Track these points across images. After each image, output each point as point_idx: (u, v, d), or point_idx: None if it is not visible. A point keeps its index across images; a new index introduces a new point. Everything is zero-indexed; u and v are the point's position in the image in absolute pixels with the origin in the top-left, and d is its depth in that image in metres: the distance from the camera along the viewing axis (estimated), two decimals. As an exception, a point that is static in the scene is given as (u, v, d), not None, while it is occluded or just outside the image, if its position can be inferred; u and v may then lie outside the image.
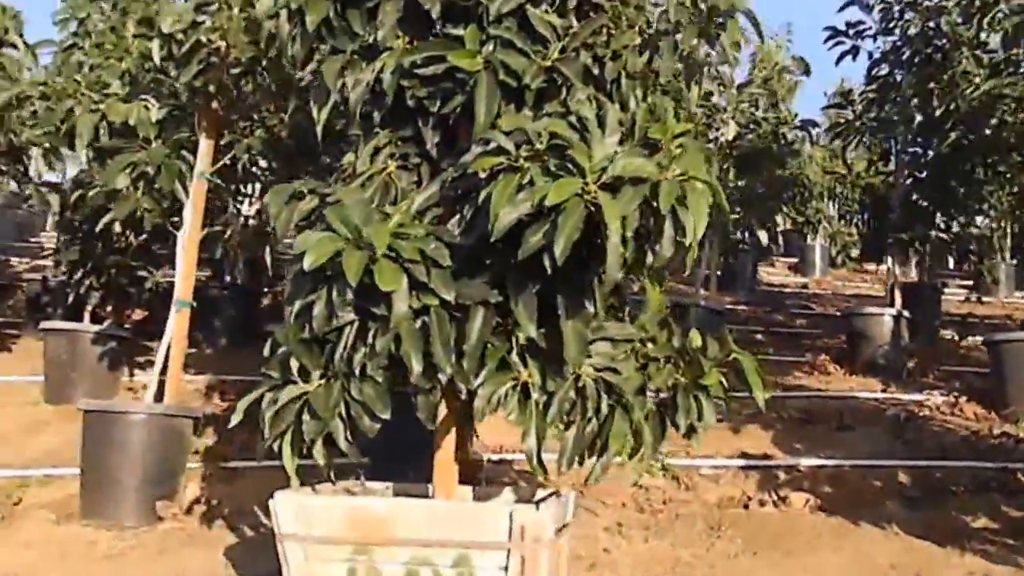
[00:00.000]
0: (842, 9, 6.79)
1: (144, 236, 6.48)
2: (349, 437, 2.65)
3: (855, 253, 12.82)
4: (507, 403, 2.65)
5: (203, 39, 4.24)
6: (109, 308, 6.81)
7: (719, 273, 8.72)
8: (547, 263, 2.43)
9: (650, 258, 2.54)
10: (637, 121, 2.59)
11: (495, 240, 2.45)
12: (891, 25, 6.90)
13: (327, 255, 2.45)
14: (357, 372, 2.63)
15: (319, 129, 3.01)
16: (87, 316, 6.81)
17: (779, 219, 9.19)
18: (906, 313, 7.44)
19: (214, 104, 4.77)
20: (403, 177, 2.93)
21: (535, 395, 2.70)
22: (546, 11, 2.82)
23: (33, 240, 13.34)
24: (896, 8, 6.79)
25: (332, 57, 2.85)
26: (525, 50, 2.71)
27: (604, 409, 2.74)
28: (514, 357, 2.72)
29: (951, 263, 11.27)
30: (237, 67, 4.53)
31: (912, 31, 6.69)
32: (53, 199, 6.87)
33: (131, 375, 7.01)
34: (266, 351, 2.88)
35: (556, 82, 2.71)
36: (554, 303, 2.63)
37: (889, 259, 7.61)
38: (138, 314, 7.50)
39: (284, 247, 6.57)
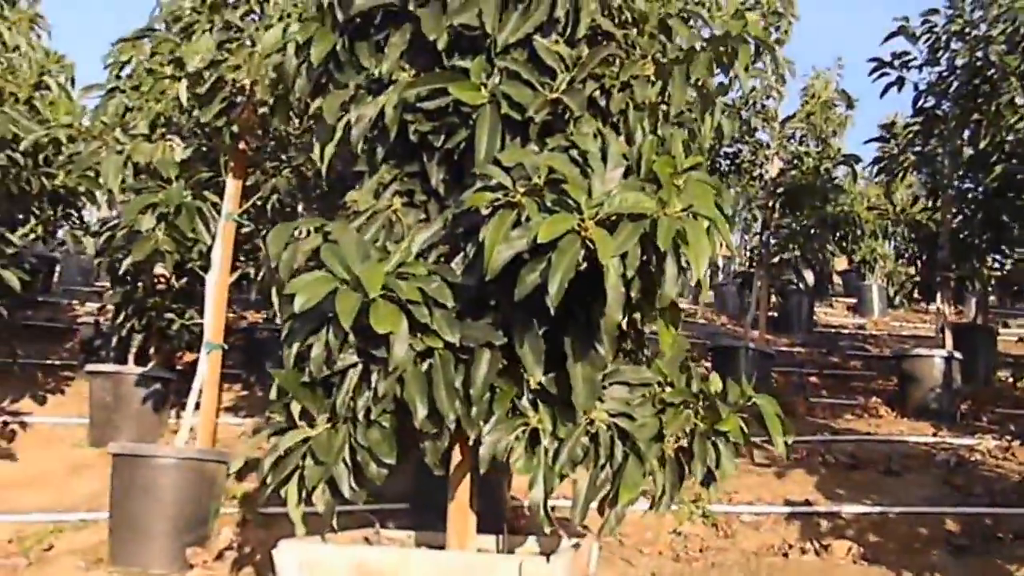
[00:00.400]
0: (887, 40, 6.61)
1: (185, 279, 6.54)
2: (354, 484, 2.55)
3: (913, 293, 12.46)
4: (515, 450, 2.53)
5: (226, 77, 4.25)
6: (152, 350, 6.86)
7: (774, 314, 8.48)
8: (549, 303, 2.32)
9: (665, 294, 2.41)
10: (643, 154, 2.48)
11: (493, 279, 2.35)
12: (938, 55, 6.69)
13: (319, 296, 2.37)
14: (361, 416, 2.53)
15: (323, 167, 2.95)
16: (131, 358, 6.86)
17: (834, 259, 8.94)
18: (957, 354, 7.14)
19: (241, 144, 4.78)
20: (409, 214, 2.85)
21: (545, 442, 2.57)
22: (556, 41, 2.73)
23: (98, 284, 13.62)
24: (943, 38, 6.59)
25: (335, 92, 2.80)
26: (531, 81, 2.62)
27: (618, 456, 2.61)
28: (524, 402, 2.60)
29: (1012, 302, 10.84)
30: (263, 106, 4.54)
31: (959, 61, 6.47)
32: (88, 242, 6.96)
33: (177, 418, 7.04)
34: (272, 393, 2.80)
35: (562, 115, 2.62)
36: (563, 345, 2.52)
37: (939, 298, 7.31)
38: (189, 356, 7.56)
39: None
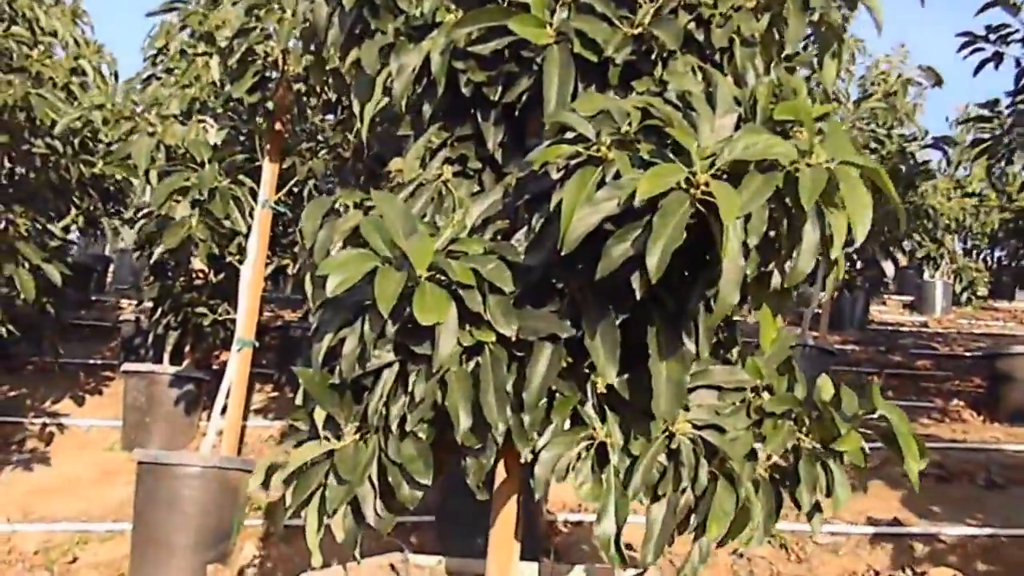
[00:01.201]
0: (982, 11, 5.97)
1: (223, 274, 6.19)
2: (380, 509, 2.09)
3: (981, 291, 11.76)
4: (578, 470, 2.05)
5: (256, 49, 3.85)
6: (188, 349, 6.54)
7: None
8: (635, 284, 1.84)
9: (775, 278, 1.92)
10: (759, 100, 1.98)
11: (568, 255, 1.88)
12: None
13: (355, 277, 1.92)
14: (395, 426, 2.07)
15: (363, 130, 2.50)
16: (166, 357, 6.57)
17: (899, 255, 8.30)
18: (1069, 353, 6.50)
19: (277, 125, 4.37)
20: (462, 185, 2.38)
21: (614, 459, 2.09)
22: (635, -33, 2.24)
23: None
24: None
25: (372, 40, 2.35)
26: (607, 15, 2.14)
27: (703, 478, 2.11)
28: (588, 409, 2.12)
29: None
30: (298, 82, 4.14)
31: None
32: (128, 234, 6.65)
33: (208, 420, 6.73)
34: (298, 398, 2.36)
35: (648, 54, 2.13)
36: (643, 339, 2.04)
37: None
38: (226, 355, 7.25)
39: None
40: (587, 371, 2.14)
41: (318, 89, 4.19)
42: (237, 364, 4.35)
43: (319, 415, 2.17)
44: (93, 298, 10.94)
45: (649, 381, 2.01)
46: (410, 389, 2.06)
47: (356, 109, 2.42)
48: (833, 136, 1.80)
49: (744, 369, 2.22)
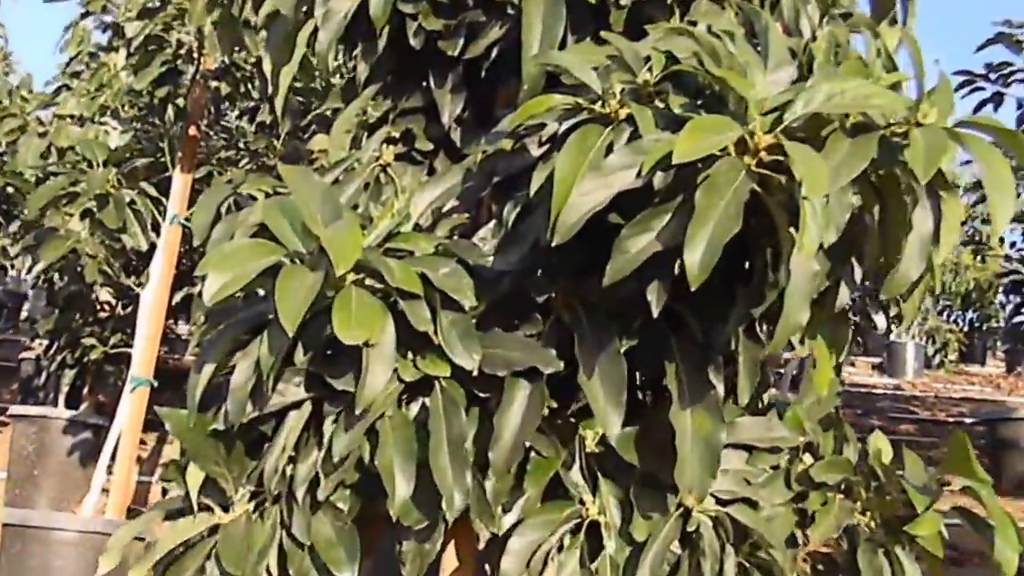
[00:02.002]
0: (982, 48, 5.61)
1: (132, 306, 5.48)
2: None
3: (953, 354, 11.46)
4: (562, 562, 1.45)
5: (167, 36, 3.25)
6: (87, 390, 5.79)
7: (794, 371, 7.41)
8: (652, 297, 1.28)
9: (842, 294, 1.37)
10: (816, 56, 1.45)
11: (557, 255, 1.32)
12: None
13: (246, 277, 1.32)
14: (301, 493, 1.46)
15: (279, 105, 1.91)
16: (62, 400, 5.80)
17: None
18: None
19: (192, 129, 3.75)
20: (407, 172, 1.81)
21: (610, 547, 1.50)
22: None
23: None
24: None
25: (290, -25, 1.77)
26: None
27: (731, 573, 1.53)
28: (575, 475, 1.54)
29: None
30: (216, 78, 3.55)
31: None
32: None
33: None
34: (173, 449, 1.73)
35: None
36: (654, 377, 1.48)
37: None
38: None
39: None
40: (572, 419, 1.56)
41: (240, 87, 3.61)
42: (131, 407, 3.66)
43: (194, 476, 1.54)
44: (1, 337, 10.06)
45: (661, 436, 1.44)
46: (326, 440, 1.45)
47: (267, 70, 1.83)
48: (940, 94, 1.27)
49: (783, 422, 1.66)
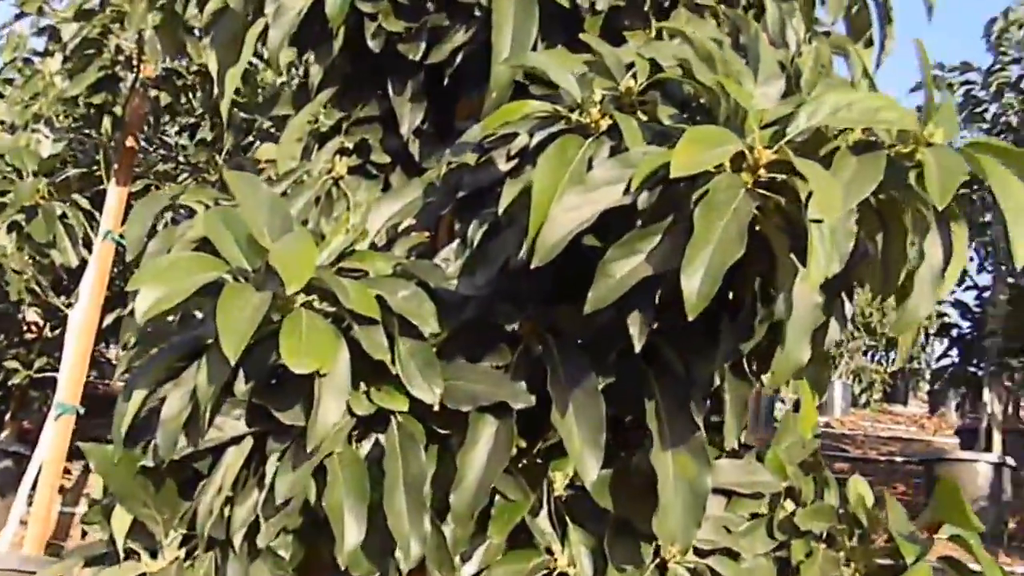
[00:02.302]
0: (914, 91, 5.65)
1: (61, 328, 5.22)
2: None
3: (877, 394, 11.64)
4: (530, 616, 1.32)
5: (106, 40, 3.07)
6: (8, 416, 5.48)
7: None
8: (634, 329, 1.16)
9: (832, 329, 1.27)
10: (802, 72, 1.36)
11: (529, 279, 1.19)
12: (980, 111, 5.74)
13: (182, 294, 1.16)
14: (239, 539, 1.30)
15: (224, 108, 1.76)
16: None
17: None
18: (1010, 460, 6.03)
19: (129, 140, 3.55)
20: (360, 187, 1.67)
21: (581, 600, 1.37)
22: None
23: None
24: (990, 89, 5.68)
25: (240, -31, 1.63)
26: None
27: (708, 631, 1.41)
28: (542, 520, 1.40)
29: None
30: (156, 88, 3.37)
31: (1013, 118, 5.53)
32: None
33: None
34: (95, 487, 1.56)
35: (638, 6, 1.49)
36: (632, 413, 1.36)
37: (986, 393, 6.23)
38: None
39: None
40: (539, 459, 1.43)
41: (181, 97, 3.42)
42: (55, 435, 3.43)
43: (120, 519, 1.37)
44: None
45: (638, 480, 1.32)
46: (268, 480, 1.29)
47: (213, 69, 1.68)
48: (943, 111, 1.18)
49: (763, 465, 1.55)
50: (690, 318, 0.99)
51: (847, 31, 1.77)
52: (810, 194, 1.03)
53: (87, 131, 3.70)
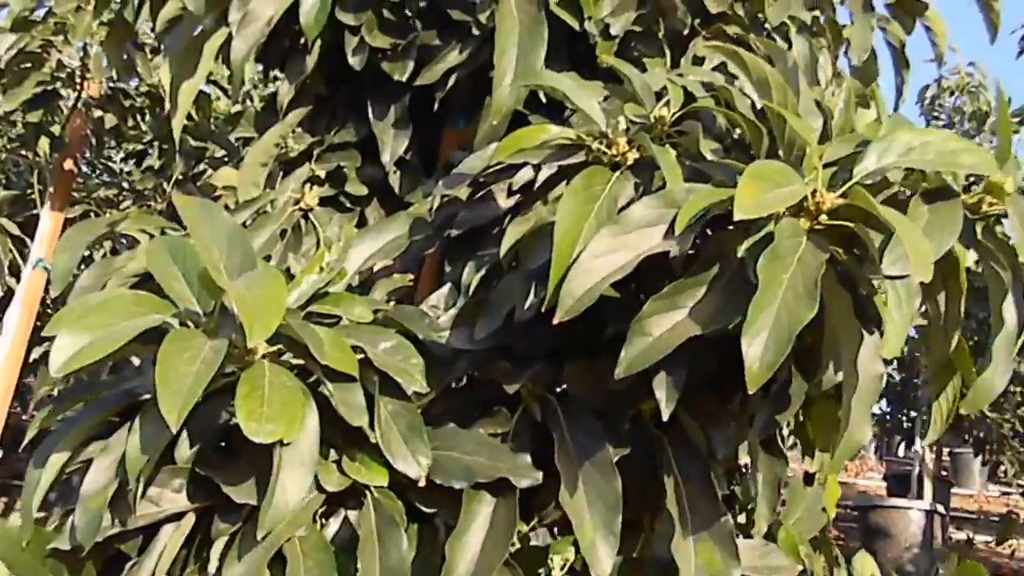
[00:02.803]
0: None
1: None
2: None
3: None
4: None
5: (43, 52, 2.84)
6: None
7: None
8: (661, 395, 0.98)
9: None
10: (832, 111, 1.21)
11: (532, 325, 1.01)
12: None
13: (115, 342, 0.95)
14: (176, 642, 1.07)
15: (176, 126, 1.55)
16: None
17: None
18: (941, 508, 6.04)
19: (68, 163, 3.30)
20: (332, 220, 1.48)
21: None
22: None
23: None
24: None
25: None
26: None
27: None
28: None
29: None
30: (101, 108, 3.13)
31: None
32: None
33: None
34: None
35: (652, 33, 1.34)
36: (644, 490, 1.17)
37: (918, 441, 6.25)
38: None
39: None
40: (532, 537, 1.24)
41: (127, 119, 3.19)
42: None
43: (27, 610, 1.13)
44: None
45: (652, 567, 1.13)
46: (213, 567, 1.07)
47: (165, 81, 1.48)
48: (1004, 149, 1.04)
49: (778, 545, 1.37)
50: (751, 390, 0.81)
51: (851, 74, 1.64)
52: (883, 247, 0.87)
53: (22, 151, 3.44)
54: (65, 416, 1.11)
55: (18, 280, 3.36)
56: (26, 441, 1.12)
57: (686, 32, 1.33)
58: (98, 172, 3.70)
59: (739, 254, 0.91)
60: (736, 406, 1.14)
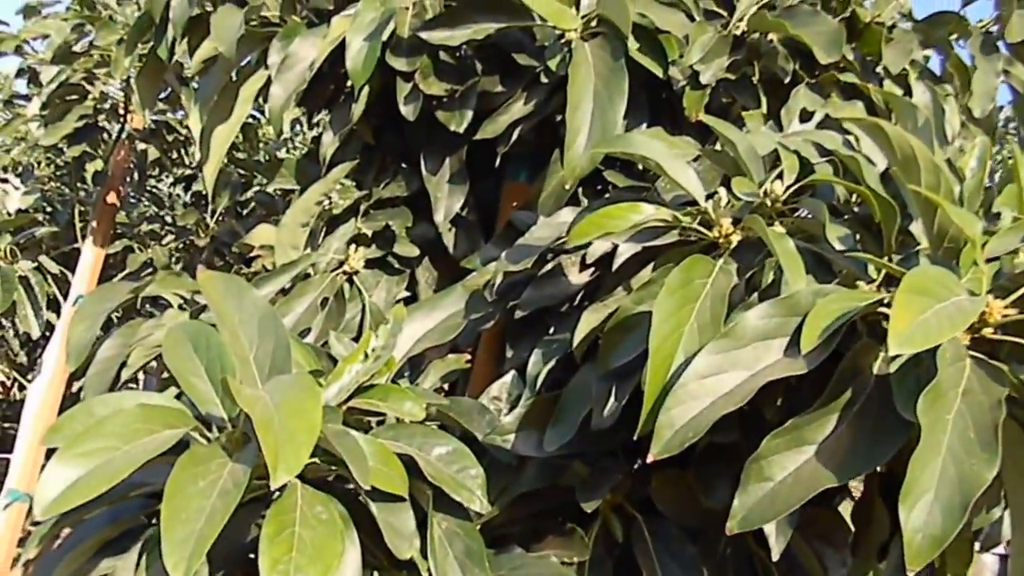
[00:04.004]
0: None
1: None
2: None
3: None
4: None
5: (86, 84, 2.74)
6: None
7: None
8: (774, 542, 0.80)
9: None
10: (962, 172, 1.03)
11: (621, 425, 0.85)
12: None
13: (118, 473, 0.79)
14: None
15: (209, 176, 1.41)
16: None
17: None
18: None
19: (111, 196, 3.21)
20: (380, 282, 1.32)
21: None
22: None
23: None
24: None
25: (231, 6, 1.30)
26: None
27: None
28: None
29: None
30: (144, 141, 3.04)
31: None
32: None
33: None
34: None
35: (747, 78, 1.16)
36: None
37: None
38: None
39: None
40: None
41: (171, 152, 3.09)
42: (4, 526, 3.01)
43: None
44: None
45: None
46: None
47: (195, 128, 1.34)
48: None
49: None
50: (911, 569, 0.62)
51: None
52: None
53: (66, 184, 3.37)
54: (64, 537, 0.96)
55: (58, 315, 3.27)
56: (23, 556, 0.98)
57: (787, 80, 1.16)
58: (144, 202, 3.60)
59: (875, 370, 0.74)
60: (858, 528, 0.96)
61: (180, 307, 1.38)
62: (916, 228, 0.87)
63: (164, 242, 3.28)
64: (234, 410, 0.90)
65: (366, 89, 1.25)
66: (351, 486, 0.93)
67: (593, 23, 1.15)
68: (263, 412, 0.76)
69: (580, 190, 1.25)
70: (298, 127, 4.65)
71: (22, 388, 4.80)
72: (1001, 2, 1.45)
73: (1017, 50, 1.36)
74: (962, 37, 1.41)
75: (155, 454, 0.79)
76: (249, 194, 3.42)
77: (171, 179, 4.24)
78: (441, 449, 0.95)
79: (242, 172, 3.40)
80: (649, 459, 0.72)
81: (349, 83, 1.26)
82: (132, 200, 3.48)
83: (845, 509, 1.03)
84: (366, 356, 1.03)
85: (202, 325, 0.97)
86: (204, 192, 3.71)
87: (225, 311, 0.95)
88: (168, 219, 3.40)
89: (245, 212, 3.43)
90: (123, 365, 1.28)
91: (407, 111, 1.23)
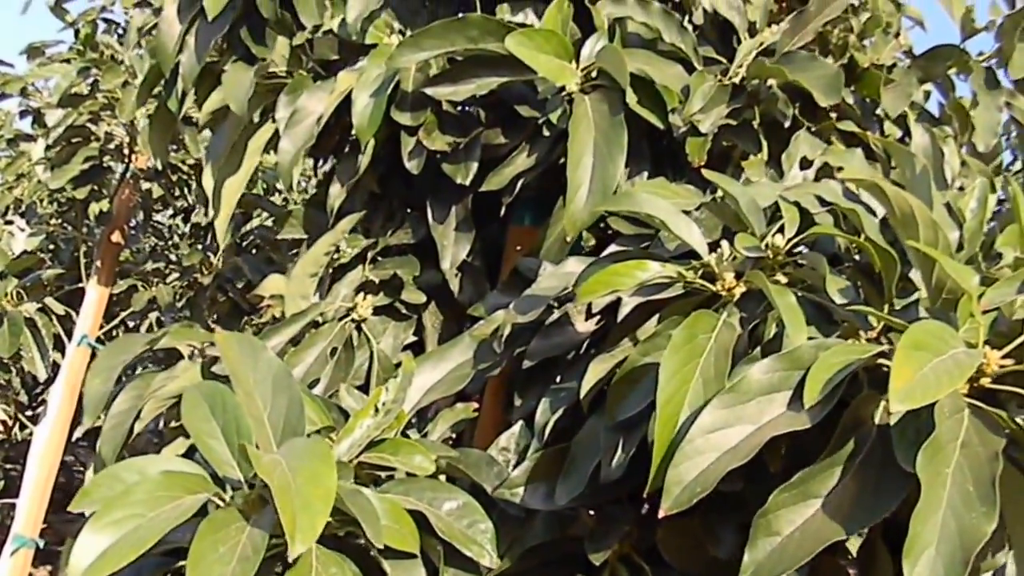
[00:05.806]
0: None
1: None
2: None
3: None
4: None
5: (93, 127, 2.78)
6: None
7: None
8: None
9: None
10: (962, 214, 1.05)
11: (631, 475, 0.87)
12: None
13: (145, 542, 0.81)
14: None
15: (220, 227, 1.44)
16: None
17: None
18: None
19: (115, 235, 3.23)
20: (388, 330, 1.34)
21: None
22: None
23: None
24: None
25: (247, 65, 1.33)
26: (682, 50, 1.20)
27: None
28: None
29: None
30: (150, 179, 3.07)
31: None
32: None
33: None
34: None
35: (747, 123, 1.19)
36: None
37: None
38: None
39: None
40: None
41: (174, 190, 3.13)
42: (11, 574, 3.01)
43: None
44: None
45: None
46: None
47: (207, 185, 1.36)
48: None
49: None
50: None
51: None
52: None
53: (70, 223, 3.39)
54: None
55: (63, 355, 3.29)
56: None
57: (787, 124, 1.18)
58: (147, 238, 3.63)
59: (877, 419, 0.76)
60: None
61: (190, 357, 1.40)
62: (916, 276, 0.89)
63: (168, 280, 3.31)
64: (250, 471, 0.91)
65: (372, 141, 1.27)
66: (363, 541, 0.94)
67: (593, 74, 1.17)
68: (280, 480, 0.78)
69: (584, 233, 1.27)
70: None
71: (23, 427, 4.79)
72: (1002, 35, 1.47)
73: (1020, 84, 1.38)
74: (963, 72, 1.43)
75: (179, 521, 0.81)
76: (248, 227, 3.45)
77: (171, 211, 4.27)
78: (451, 504, 0.97)
79: (240, 210, 3.43)
80: (661, 514, 0.74)
81: (355, 132, 1.29)
82: (133, 234, 3.50)
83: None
84: (376, 410, 1.05)
85: (217, 386, 0.99)
86: (202, 224, 3.74)
87: (241, 372, 0.97)
88: (172, 257, 3.43)
89: (245, 244, 3.45)
90: (136, 417, 1.30)
91: (411, 166, 1.26)
